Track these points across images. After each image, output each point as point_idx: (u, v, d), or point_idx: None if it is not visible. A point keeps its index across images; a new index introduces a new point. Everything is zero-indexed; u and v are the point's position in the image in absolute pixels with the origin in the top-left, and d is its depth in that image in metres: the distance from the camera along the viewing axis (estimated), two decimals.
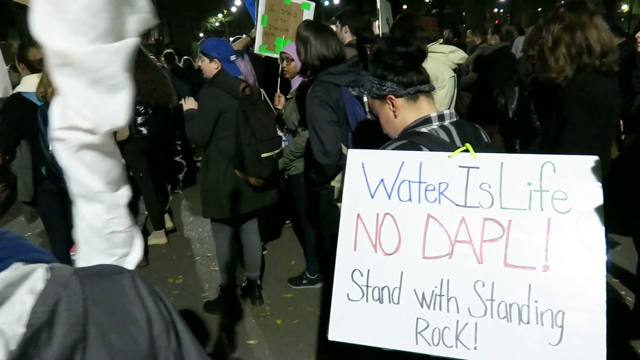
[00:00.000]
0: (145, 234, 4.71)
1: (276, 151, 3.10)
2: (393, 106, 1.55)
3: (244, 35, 5.27)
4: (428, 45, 3.26)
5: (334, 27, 3.80)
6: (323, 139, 2.48)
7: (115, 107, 0.90)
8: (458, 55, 3.81)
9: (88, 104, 0.87)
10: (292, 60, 3.29)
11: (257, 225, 3.51)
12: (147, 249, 4.46)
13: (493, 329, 1.21)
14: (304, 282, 3.80)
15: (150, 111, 4.22)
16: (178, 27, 22.93)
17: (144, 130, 4.25)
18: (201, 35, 29.18)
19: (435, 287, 1.27)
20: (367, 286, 1.33)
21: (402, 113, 1.55)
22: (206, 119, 3.02)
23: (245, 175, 3.05)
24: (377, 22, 4.91)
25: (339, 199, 2.62)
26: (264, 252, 4.35)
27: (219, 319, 3.36)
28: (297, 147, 3.28)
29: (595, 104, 2.19)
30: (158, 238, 4.70)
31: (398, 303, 1.29)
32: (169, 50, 8.99)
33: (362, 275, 1.34)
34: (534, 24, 4.51)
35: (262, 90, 3.97)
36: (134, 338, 0.65)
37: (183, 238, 4.87)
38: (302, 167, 3.38)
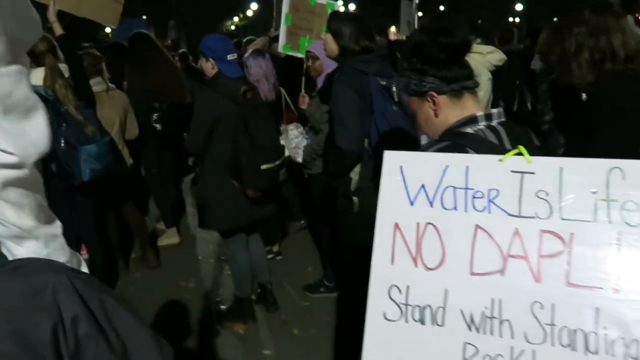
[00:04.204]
0: (154, 236, 4.62)
1: (277, 162, 2.93)
2: (434, 104, 1.40)
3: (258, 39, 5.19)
4: None
5: None
6: (346, 122, 2.37)
7: (36, 132, 0.82)
8: (497, 57, 3.61)
9: (7, 136, 0.78)
10: (318, 58, 3.17)
11: (257, 228, 3.36)
12: (157, 249, 4.35)
13: (554, 358, 1.06)
14: (321, 290, 3.67)
15: (165, 108, 4.17)
16: (194, 30, 23.03)
17: (158, 126, 4.18)
18: None
19: (486, 308, 1.12)
20: (406, 305, 1.18)
21: (444, 112, 1.40)
22: (200, 125, 2.84)
23: (242, 186, 2.88)
24: (391, 28, 4.80)
25: (356, 193, 2.53)
26: (278, 258, 4.24)
27: (232, 327, 3.23)
28: (320, 145, 3.14)
29: (622, 107, 2.05)
30: (169, 238, 4.60)
31: (442, 325, 1.15)
32: (183, 50, 9.02)
33: (400, 292, 1.19)
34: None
35: (282, 89, 3.86)
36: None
37: (194, 240, 4.74)
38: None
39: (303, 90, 3.73)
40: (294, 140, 3.75)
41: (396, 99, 2.31)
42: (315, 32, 4.10)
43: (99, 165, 3.01)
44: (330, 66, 3.30)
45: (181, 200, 5.29)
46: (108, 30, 16.41)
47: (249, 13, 33.52)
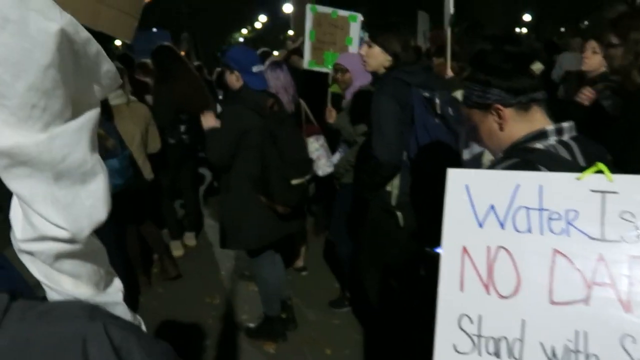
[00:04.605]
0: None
1: (307, 177, 2.85)
2: (499, 117, 1.31)
3: (274, 52, 5.18)
4: None
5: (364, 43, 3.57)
6: (385, 132, 2.30)
7: (92, 200, 0.71)
8: (534, 67, 3.53)
9: (58, 206, 0.67)
10: (348, 71, 3.09)
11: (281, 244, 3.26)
12: (176, 260, 4.26)
13: None
14: (346, 303, 3.57)
15: (190, 119, 4.16)
16: (204, 41, 23.17)
17: (185, 138, 4.15)
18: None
19: (569, 341, 1.03)
20: (479, 336, 1.09)
21: (510, 125, 1.31)
22: (226, 139, 2.74)
23: (272, 202, 2.78)
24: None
25: (398, 207, 2.44)
26: (303, 273, 4.15)
27: (263, 346, 3.14)
28: (355, 157, 3.06)
29: None
30: (176, 249, 4.57)
31: (520, 359, 1.05)
32: (199, 63, 9.07)
33: (472, 322, 1.10)
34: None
35: (302, 101, 3.80)
36: None
37: (215, 254, 4.65)
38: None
39: (330, 104, 3.66)
40: (314, 153, 3.69)
41: (438, 111, 2.24)
42: (339, 45, 4.08)
43: (120, 180, 2.96)
44: (359, 78, 3.25)
45: (200, 211, 5.22)
46: (118, 42, 16.56)
47: (258, 25, 33.70)
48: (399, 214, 2.41)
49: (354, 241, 3.32)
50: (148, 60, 5.61)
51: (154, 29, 8.35)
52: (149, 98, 4.43)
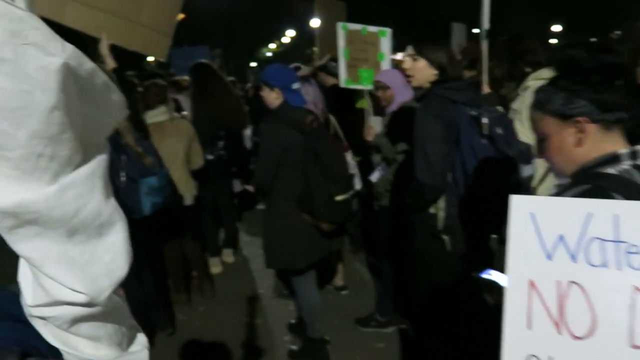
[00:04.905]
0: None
1: (351, 192, 2.81)
2: (580, 132, 1.20)
3: (302, 66, 5.18)
4: (541, 71, 2.90)
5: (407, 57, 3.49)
6: (429, 155, 2.18)
7: (111, 254, 0.62)
8: None
9: (73, 267, 0.58)
10: (388, 87, 3.03)
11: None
12: (213, 281, 4.24)
13: None
14: (372, 324, 3.50)
15: (228, 135, 4.19)
16: (233, 57, 23.55)
17: (223, 154, 4.17)
18: (252, 64, 29.90)
19: None
20: None
21: (589, 143, 1.20)
22: (268, 158, 2.72)
23: (316, 220, 2.74)
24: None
25: (446, 231, 2.34)
26: (343, 292, 4.08)
27: None
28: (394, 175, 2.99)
29: None
30: (215, 266, 4.57)
31: None
32: (232, 79, 9.19)
33: None
34: None
35: (332, 117, 3.77)
36: None
37: (253, 272, 4.62)
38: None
39: (370, 121, 3.61)
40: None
41: (486, 132, 2.13)
42: (372, 61, 4.04)
43: (159, 198, 2.96)
44: (400, 94, 3.19)
45: (237, 228, 5.22)
46: (150, 59, 16.92)
47: (285, 40, 34.07)
48: (446, 237, 2.31)
49: (396, 264, 3.24)
50: (181, 78, 5.70)
51: (191, 46, 8.49)
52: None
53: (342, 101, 4.09)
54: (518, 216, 1.10)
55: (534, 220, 1.08)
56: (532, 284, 1.06)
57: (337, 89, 4.14)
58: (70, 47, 0.53)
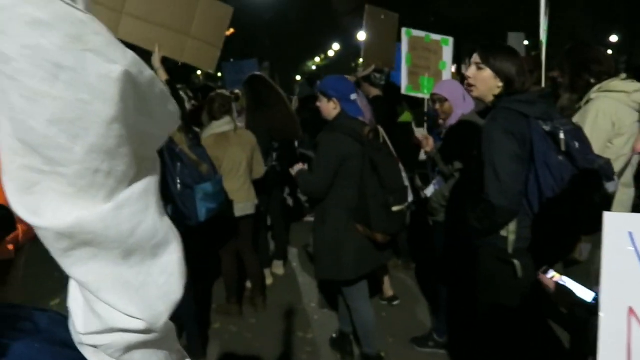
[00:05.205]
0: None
1: (407, 204, 2.75)
2: None
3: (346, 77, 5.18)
4: (606, 82, 2.73)
5: (472, 65, 3.38)
6: (501, 175, 2.01)
7: (166, 276, 0.58)
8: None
9: (129, 291, 0.55)
10: (446, 100, 2.95)
11: None
12: (266, 294, 4.22)
13: None
14: (430, 344, 3.37)
15: (281, 146, 4.22)
16: (280, 70, 23.97)
17: (277, 165, 4.20)
18: (297, 78, 30.32)
19: None
20: None
21: None
22: (327, 167, 2.70)
23: (371, 230, 2.69)
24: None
25: (516, 254, 2.21)
26: (394, 303, 4.04)
27: None
28: (450, 192, 2.90)
29: None
30: (266, 278, 4.54)
31: None
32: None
33: None
34: None
35: (380, 128, 3.73)
36: None
37: (303, 284, 4.58)
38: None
39: (426, 131, 3.54)
40: None
41: (563, 148, 1.98)
42: (433, 70, 3.99)
43: (214, 204, 2.99)
44: (459, 106, 3.10)
45: (287, 239, 5.22)
46: (199, 72, 17.39)
47: (331, 53, 34.37)
48: (516, 262, 2.12)
49: (453, 286, 3.13)
50: (232, 90, 5.81)
51: (240, 59, 8.69)
52: None
53: (384, 113, 4.03)
54: (613, 236, 1.01)
55: (633, 240, 0.99)
56: (631, 311, 0.96)
57: (380, 101, 4.09)
58: (131, 54, 0.50)
